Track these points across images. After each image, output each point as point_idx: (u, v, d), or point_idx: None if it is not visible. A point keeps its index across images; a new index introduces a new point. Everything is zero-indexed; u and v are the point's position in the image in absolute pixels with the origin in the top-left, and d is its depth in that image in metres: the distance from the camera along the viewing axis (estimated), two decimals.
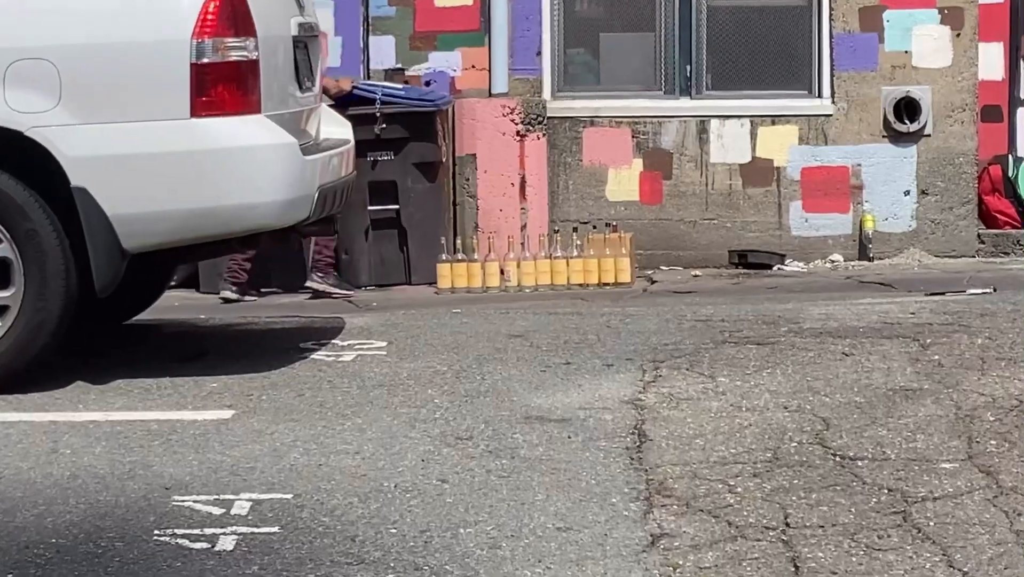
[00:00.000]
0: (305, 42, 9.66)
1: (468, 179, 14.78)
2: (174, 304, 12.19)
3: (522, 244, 14.47)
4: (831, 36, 14.99)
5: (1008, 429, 7.63)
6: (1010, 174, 15.61)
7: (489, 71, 14.98)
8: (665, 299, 13.15)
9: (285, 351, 9.70)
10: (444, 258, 14.10)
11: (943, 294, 12.39)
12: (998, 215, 15.36)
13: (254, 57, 8.73)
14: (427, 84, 14.90)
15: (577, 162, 15.04)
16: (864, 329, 10.05)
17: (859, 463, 7.19)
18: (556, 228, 14.63)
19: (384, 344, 9.84)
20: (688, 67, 15.13)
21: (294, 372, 9.12)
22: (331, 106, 13.08)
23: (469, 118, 14.75)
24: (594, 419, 8.01)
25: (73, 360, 9.21)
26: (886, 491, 6.78)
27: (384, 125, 14.05)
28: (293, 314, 11.41)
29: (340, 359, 9.48)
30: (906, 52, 14.94)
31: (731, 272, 14.67)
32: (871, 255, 14.92)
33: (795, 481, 6.95)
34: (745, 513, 6.51)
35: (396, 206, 14.44)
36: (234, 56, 8.66)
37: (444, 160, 14.56)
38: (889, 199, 15.02)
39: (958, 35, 14.93)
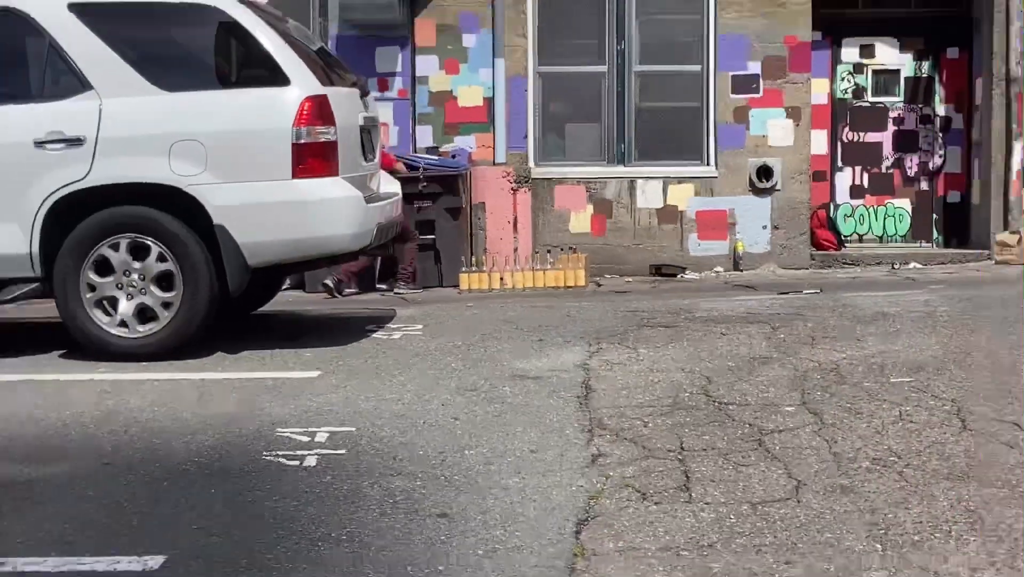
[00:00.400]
0: (368, 129, 9.49)
1: (479, 218, 14.66)
2: (288, 299, 11.99)
3: (515, 260, 14.35)
4: (715, 126, 14.88)
5: (828, 384, 7.47)
6: (831, 215, 15.54)
7: (493, 148, 14.92)
8: (607, 296, 13.00)
9: (356, 332, 9.55)
10: (463, 270, 13.99)
11: (788, 293, 12.33)
12: (824, 242, 15.35)
13: (334, 139, 8.56)
14: (453, 156, 14.76)
15: (551, 208, 14.94)
16: (735, 317, 9.88)
17: (730, 407, 7.05)
18: (537, 251, 14.58)
19: (421, 328, 9.67)
20: (622, 145, 15.02)
21: (360, 346, 8.96)
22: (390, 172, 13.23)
23: (480, 179, 14.66)
24: (557, 377, 7.87)
25: (218, 339, 9.04)
26: (748, 426, 6.66)
27: (425, 183, 13.98)
28: (365, 308, 11.15)
29: (391, 337, 9.31)
30: (764, 136, 14.86)
31: (651, 279, 14.60)
32: (741, 268, 14.81)
33: (687, 419, 6.85)
34: (654, 440, 6.47)
35: (433, 236, 14.30)
36: (320, 139, 8.48)
37: (464, 206, 14.44)
38: (753, 231, 14.92)
39: (798, 125, 14.89)
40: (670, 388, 7.49)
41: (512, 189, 14.57)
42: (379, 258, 13.99)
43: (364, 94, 9.44)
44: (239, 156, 8.43)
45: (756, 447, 6.29)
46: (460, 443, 6.44)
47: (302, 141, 8.43)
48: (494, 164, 14.80)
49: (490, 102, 14.88)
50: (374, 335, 9.39)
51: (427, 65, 14.95)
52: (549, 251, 14.47)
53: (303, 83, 8.53)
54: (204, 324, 8.56)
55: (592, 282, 14.28)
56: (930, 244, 15.66)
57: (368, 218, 8.78)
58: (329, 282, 13.08)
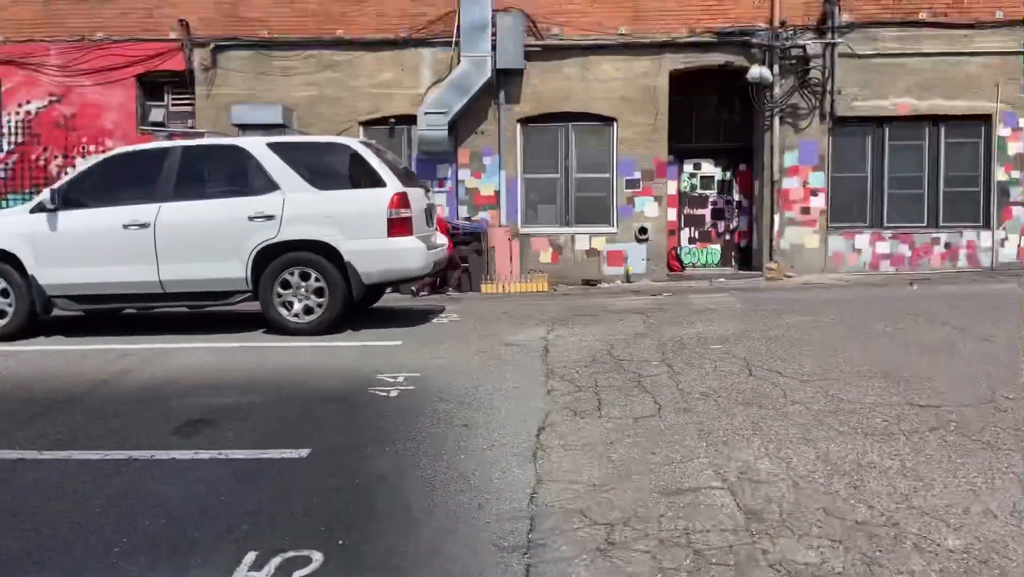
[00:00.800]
0: (429, 209, 9.12)
1: (492, 255, 14.21)
2: (390, 299, 11.58)
3: (511, 277, 13.94)
4: (617, 205, 14.46)
5: (676, 349, 7.09)
6: (679, 254, 15.17)
7: (499, 218, 14.49)
8: (560, 297, 12.58)
9: (422, 319, 9.18)
10: (483, 282, 13.60)
11: (657, 296, 11.91)
12: (674, 266, 14.84)
13: (409, 216, 8.19)
14: (479, 221, 14.35)
15: (530, 249, 14.52)
16: (628, 310, 9.51)
17: (623, 362, 6.65)
18: (522, 272, 14.15)
19: (457, 316, 9.30)
20: (567, 215, 14.59)
21: (424, 328, 8.58)
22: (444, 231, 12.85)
23: (493, 234, 14.23)
24: (530, 344, 7.47)
25: (348, 324, 8.69)
26: (632, 373, 6.27)
27: (463, 236, 13.55)
28: (429, 304, 10.76)
29: (441, 322, 8.95)
30: (643, 211, 14.44)
31: (583, 287, 14.17)
32: (631, 280, 14.37)
33: (600, 369, 6.45)
34: (581, 381, 6.06)
35: (467, 264, 13.81)
36: (402, 216, 8.11)
37: (484, 249, 14.00)
38: (637, 262, 14.49)
39: (660, 205, 14.46)
40: (590, 351, 7.14)
41: (509, 239, 14.12)
42: (439, 276, 13.64)
43: (427, 192, 9.09)
44: (359, 224, 8.07)
45: (636, 384, 5.94)
46: (476, 382, 6.09)
47: (392, 217, 8.06)
48: (500, 226, 14.35)
49: (498, 194, 14.43)
50: (432, 320, 9.03)
51: (464, 173, 14.50)
52: (529, 272, 14.10)
53: (393, 185, 8.18)
54: (341, 315, 8.22)
55: (552, 288, 13.88)
56: (731, 268, 15.24)
57: (429, 258, 8.43)
58: (413, 288, 12.76)
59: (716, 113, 15.21)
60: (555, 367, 6.58)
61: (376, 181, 8.13)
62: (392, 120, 14.39)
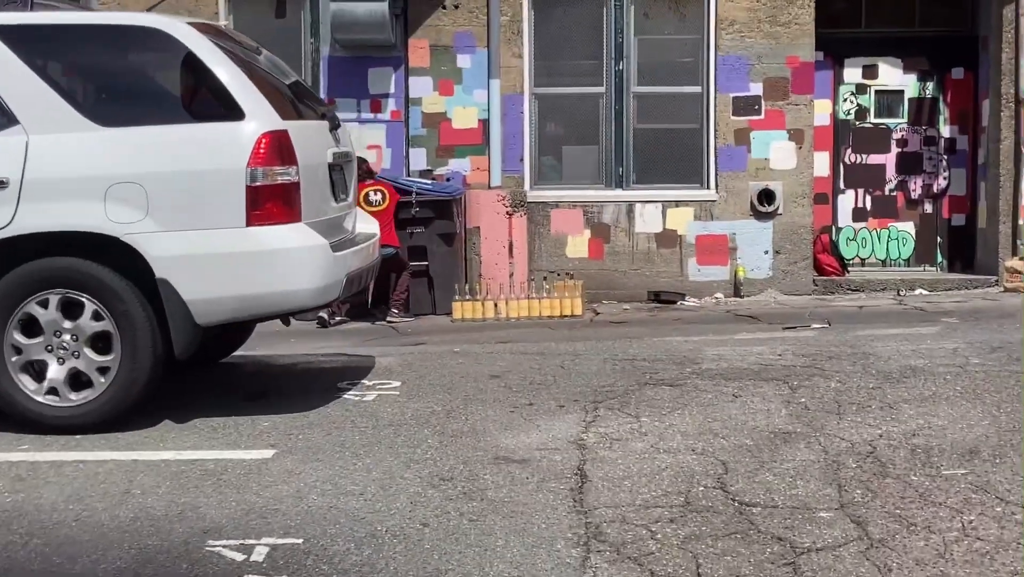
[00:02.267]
0: (341, 166, 7.73)
1: (475, 243, 13.09)
2: (271, 331, 10.06)
3: (510, 287, 12.77)
4: (716, 148, 13.25)
5: (868, 477, 5.71)
6: (834, 239, 13.86)
7: (488, 171, 13.35)
8: (604, 328, 11.32)
9: (326, 390, 7.76)
10: (456, 298, 12.45)
11: (795, 328, 10.67)
12: (827, 267, 13.71)
13: (296, 180, 6.81)
14: (447, 180, 13.19)
15: (547, 232, 13.39)
16: (746, 371, 8.10)
17: (754, 510, 5.31)
18: (532, 278, 13.02)
19: (399, 385, 7.88)
20: (620, 168, 13.43)
21: (328, 412, 7.17)
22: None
23: (475, 203, 13.09)
24: (547, 460, 6.14)
25: (171, 398, 7.33)
26: (777, 541, 4.93)
27: (418, 208, 12.52)
28: (343, 354, 9.33)
29: (364, 399, 7.51)
30: (766, 159, 13.27)
31: (649, 306, 12.95)
32: (742, 294, 13.22)
33: (703, 528, 5.12)
34: (664, 561, 4.76)
35: (426, 263, 12.75)
36: (280, 180, 6.73)
37: (458, 232, 12.86)
38: (754, 256, 13.33)
39: (800, 148, 13.28)
40: (680, 478, 5.76)
41: (508, 213, 13.01)
42: (371, 283, 12.31)
43: (335, 127, 7.67)
44: (185, 201, 6.68)
45: (791, 574, 4.56)
46: (428, 564, 4.74)
47: (258, 183, 6.68)
48: (489, 188, 13.22)
49: (485, 124, 13.33)
50: (346, 395, 7.60)
51: (420, 86, 13.40)
52: (545, 277, 12.92)
53: (260, 117, 6.77)
54: (147, 391, 6.80)
55: (589, 309, 12.64)
56: (934, 268, 13.94)
57: (336, 269, 7.03)
58: (324, 314, 11.60)
59: None
60: (602, 519, 5.21)
61: (224, 107, 6.75)
62: None
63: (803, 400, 7.15)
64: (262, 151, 6.69)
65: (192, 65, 6.81)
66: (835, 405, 6.99)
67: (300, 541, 5.02)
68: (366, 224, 8.32)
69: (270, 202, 6.73)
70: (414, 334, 11.59)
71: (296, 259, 6.80)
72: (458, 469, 5.98)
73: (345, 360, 8.96)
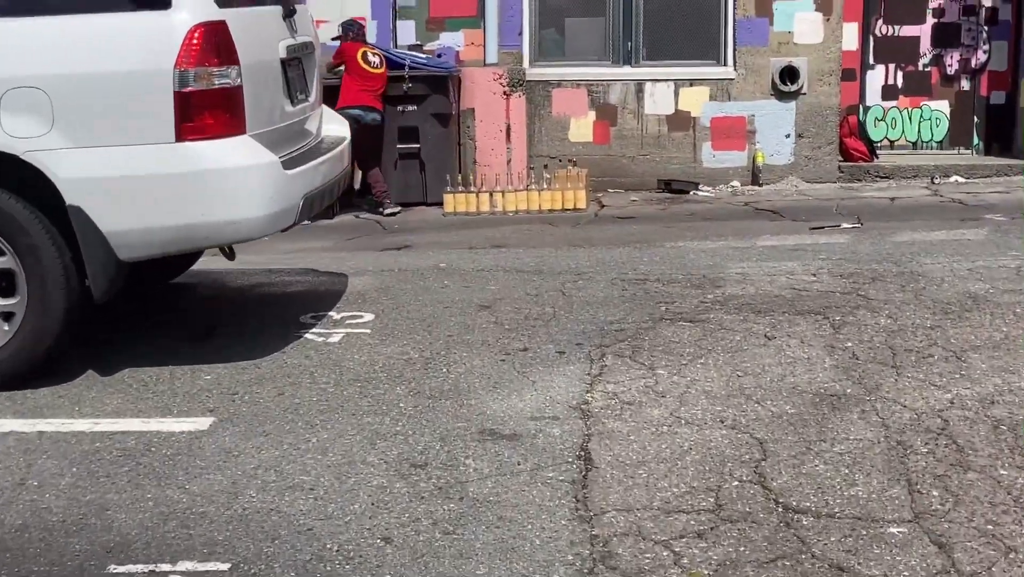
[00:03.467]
0: (299, 60, 6.33)
1: (469, 126, 11.87)
2: None
3: (507, 176, 11.55)
4: (734, 20, 11.94)
5: (945, 470, 4.47)
6: (861, 120, 12.45)
7: (484, 47, 12.00)
8: (609, 228, 10.05)
9: (285, 325, 6.49)
10: (449, 189, 11.22)
11: (823, 228, 9.43)
12: (854, 152, 12.38)
13: (237, 84, 5.45)
14: (438, 56, 11.89)
15: (548, 114, 12.11)
16: (778, 299, 6.80)
17: (803, 520, 4.08)
18: (532, 165, 11.76)
19: (371, 318, 6.57)
20: (629, 43, 12.10)
21: (283, 360, 5.90)
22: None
23: (469, 82, 11.81)
24: (543, 435, 4.92)
25: (105, 333, 6.09)
26: (837, 571, 3.70)
27: (411, 84, 11.26)
28: (311, 270, 8.02)
29: (329, 340, 6.21)
30: (789, 32, 11.90)
31: (659, 196, 11.67)
32: (761, 182, 12.00)
33: (740, 548, 3.93)
34: None
35: (418, 145, 11.52)
36: (217, 84, 5.36)
37: (454, 112, 11.56)
38: (775, 140, 12.05)
39: (827, 20, 11.95)
40: (708, 465, 4.56)
41: (505, 93, 11.74)
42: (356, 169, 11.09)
43: (289, 13, 6.23)
44: (100, 110, 5.33)
45: None
46: None
47: (189, 88, 5.32)
48: (484, 65, 11.91)
49: None
50: (308, 334, 6.31)
51: None
52: (546, 165, 11.69)
53: (192, 3, 5.37)
54: (61, 341, 5.53)
55: (593, 200, 11.36)
56: (969, 152, 12.62)
57: (290, 190, 5.71)
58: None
59: None
60: (613, 532, 4.05)
61: None
62: None
63: (849, 344, 5.88)
64: (194, 47, 5.32)
65: None
66: (889, 353, 5.72)
67: (226, 568, 3.83)
68: (334, 124, 6.95)
69: (205, 111, 5.38)
70: (400, 231, 10.35)
71: (238, 181, 5.47)
72: (434, 449, 4.76)
73: (313, 280, 7.66)
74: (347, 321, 6.50)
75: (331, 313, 6.65)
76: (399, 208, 11.19)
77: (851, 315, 6.35)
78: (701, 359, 5.72)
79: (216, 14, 5.42)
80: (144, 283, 6.89)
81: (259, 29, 5.85)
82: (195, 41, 5.32)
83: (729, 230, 9.53)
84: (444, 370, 5.65)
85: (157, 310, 6.96)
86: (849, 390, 5.24)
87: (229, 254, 6.15)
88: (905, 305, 6.52)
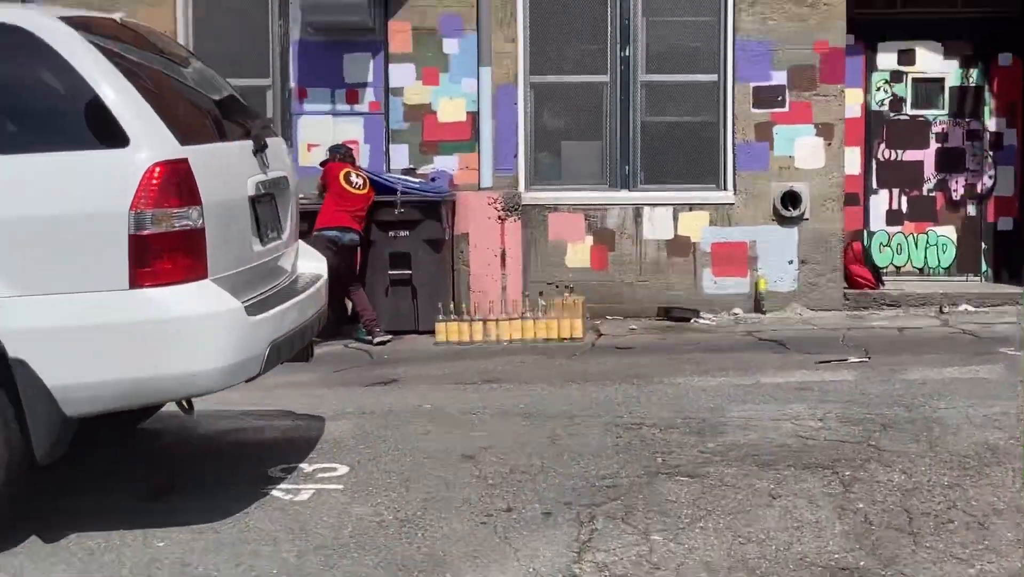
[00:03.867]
0: (270, 195, 5.93)
1: (463, 252, 11.43)
2: None
3: (502, 303, 11.06)
4: (734, 144, 11.59)
5: None
6: (866, 246, 12.09)
7: (478, 170, 11.64)
8: (607, 360, 9.56)
9: (252, 481, 5.97)
10: (441, 318, 10.71)
11: (830, 363, 8.97)
12: (859, 279, 11.93)
13: (199, 225, 5.04)
14: (432, 180, 11.44)
15: (544, 238, 11.69)
16: (783, 449, 6.30)
17: None
18: (527, 293, 11.28)
19: (346, 471, 6.07)
20: (627, 167, 11.77)
21: (247, 522, 5.38)
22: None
23: (464, 206, 11.39)
24: None
25: (48, 496, 5.61)
26: None
27: (402, 209, 10.83)
28: (288, 412, 7.52)
29: (297, 497, 5.69)
30: (790, 157, 11.54)
31: (659, 324, 11.24)
32: (764, 309, 11.49)
33: None
34: None
35: (409, 271, 11.04)
36: (177, 226, 4.95)
37: (447, 238, 11.14)
38: (777, 267, 11.59)
39: (829, 144, 11.58)
40: None
41: (500, 218, 11.33)
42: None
43: (260, 148, 5.84)
44: (48, 255, 4.93)
45: None
46: None
47: (146, 231, 4.91)
48: (479, 189, 11.55)
49: (475, 117, 11.62)
50: (275, 490, 5.80)
51: (402, 74, 11.69)
52: (541, 292, 11.24)
53: (152, 142, 4.99)
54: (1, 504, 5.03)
55: (590, 328, 10.91)
56: (978, 278, 12.19)
57: (255, 338, 5.27)
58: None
59: None
60: None
61: (106, 130, 4.97)
62: None
63: (861, 505, 5.38)
64: (152, 187, 4.93)
65: (61, 73, 5.03)
66: (905, 517, 5.21)
67: None
68: (311, 261, 6.54)
69: (163, 255, 4.97)
70: (389, 362, 9.89)
71: (197, 330, 5.03)
72: None
73: (288, 425, 7.18)
74: (319, 475, 6.00)
75: (303, 465, 6.16)
76: (389, 336, 10.74)
77: (862, 469, 5.86)
78: (700, 522, 5.22)
79: (178, 152, 5.04)
80: (103, 430, 6.40)
81: (225, 166, 5.46)
82: (154, 181, 4.93)
83: (731, 363, 9.06)
84: (420, 535, 5.15)
85: (114, 460, 6.47)
86: (863, 562, 4.73)
87: (187, 408, 5.67)
88: (920, 458, 6.02)
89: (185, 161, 5.04)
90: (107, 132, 4.96)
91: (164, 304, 4.95)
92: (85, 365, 4.92)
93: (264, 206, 5.82)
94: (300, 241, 6.60)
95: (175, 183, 4.98)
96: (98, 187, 4.93)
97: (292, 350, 5.80)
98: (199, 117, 5.70)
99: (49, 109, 5.05)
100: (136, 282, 4.92)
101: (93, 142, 4.98)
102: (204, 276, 5.09)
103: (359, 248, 10.70)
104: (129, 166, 4.93)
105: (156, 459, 6.57)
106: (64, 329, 4.90)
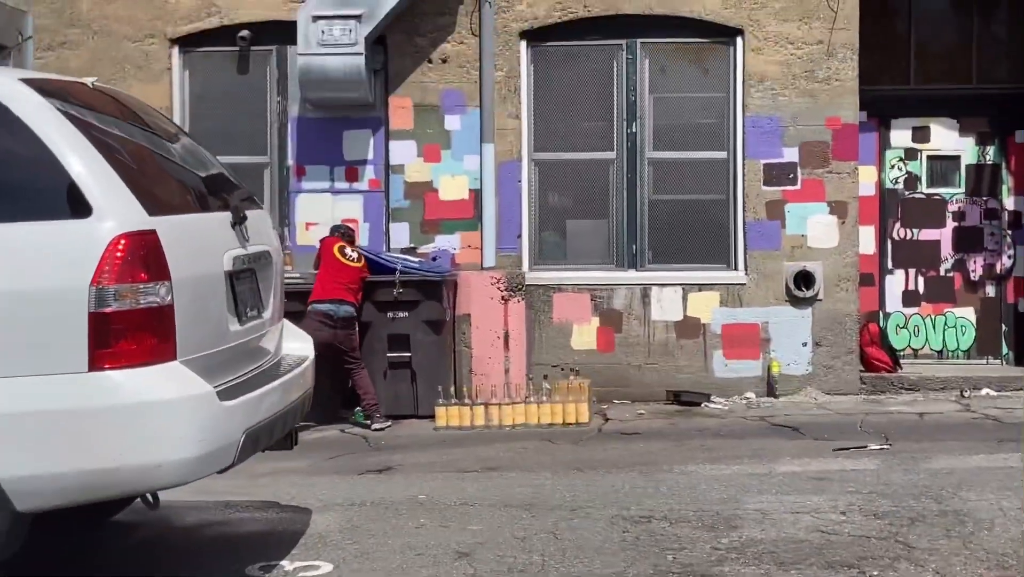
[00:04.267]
0: (251, 270, 5.51)
1: (465, 333, 11.03)
2: None
3: (505, 386, 10.58)
4: (744, 223, 11.21)
5: None
6: (882, 326, 11.67)
7: (481, 249, 11.26)
8: (613, 447, 9.08)
9: None
10: (441, 402, 10.25)
11: (848, 450, 8.48)
12: (876, 361, 11.44)
13: (167, 302, 4.60)
14: (433, 259, 11.14)
15: (549, 320, 11.26)
16: (803, 545, 5.79)
17: None
18: (531, 376, 10.81)
19: (329, 570, 5.55)
20: (634, 246, 11.37)
21: None
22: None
23: (466, 286, 11.01)
24: None
25: None
26: None
27: (401, 289, 10.42)
28: (274, 503, 7.02)
29: None
30: (803, 236, 11.16)
31: (668, 409, 10.77)
32: (777, 393, 11.02)
33: None
34: None
35: (409, 354, 10.58)
36: (143, 303, 4.52)
37: (448, 319, 10.74)
38: (791, 349, 11.13)
39: (843, 223, 11.19)
40: None
41: (503, 298, 10.94)
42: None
43: (239, 220, 5.42)
44: (3, 332, 4.45)
45: None
46: None
47: (109, 308, 4.49)
48: (482, 268, 11.18)
49: (477, 195, 11.27)
50: None
51: (403, 151, 11.38)
52: (546, 376, 10.74)
53: (116, 212, 4.59)
54: None
55: (597, 413, 10.46)
56: (999, 361, 11.74)
57: (229, 425, 4.81)
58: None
59: (961, 20, 11.87)
60: None
61: (67, 200, 4.57)
62: (245, 34, 11.21)
63: None
64: (116, 261, 4.51)
65: (19, 137, 4.63)
66: None
67: None
68: (296, 342, 6.10)
69: (127, 334, 4.54)
70: (386, 449, 9.43)
71: (163, 417, 4.58)
72: None
73: (272, 518, 6.68)
74: (300, 574, 5.50)
75: (283, 563, 5.65)
76: (389, 423, 10.27)
77: (891, 569, 5.35)
78: None
79: (145, 222, 4.62)
80: (71, 522, 5.92)
81: (199, 238, 5.04)
82: (118, 253, 4.51)
83: (745, 451, 8.58)
84: None
85: (81, 555, 5.96)
86: None
87: (152, 503, 5.17)
88: (954, 557, 5.51)
89: (153, 233, 4.62)
90: (69, 201, 4.56)
91: (126, 388, 4.51)
92: (39, 455, 4.47)
93: (243, 282, 5.40)
94: (286, 321, 6.15)
95: (141, 256, 4.56)
96: (57, 260, 4.51)
97: (272, 438, 5.34)
98: (172, 187, 5.30)
99: (5, 176, 4.63)
100: (96, 364, 4.47)
101: (54, 212, 4.57)
102: (172, 358, 4.65)
103: (356, 324, 10.24)
104: (91, 237, 4.51)
105: (129, 554, 6.07)
106: (15, 415, 4.45)
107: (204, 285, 4.96)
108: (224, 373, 5.01)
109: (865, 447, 8.59)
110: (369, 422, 10.18)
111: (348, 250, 10.24)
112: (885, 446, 8.61)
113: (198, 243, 4.98)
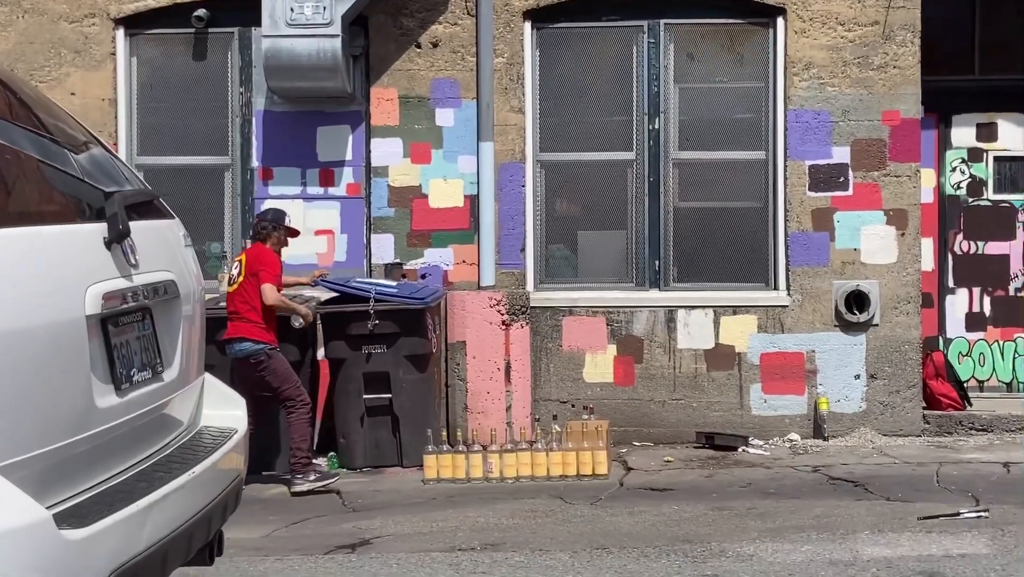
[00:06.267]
0: (143, 310, 3.59)
1: (459, 364, 9.47)
2: None
3: (508, 425, 9.09)
4: (786, 235, 9.65)
5: None
6: (948, 356, 10.04)
7: (478, 265, 9.76)
8: (639, 508, 7.40)
9: None
10: (431, 449, 8.52)
11: (937, 518, 6.74)
12: (942, 398, 9.78)
13: None
14: (423, 277, 9.64)
15: (558, 348, 9.70)
16: None
17: None
18: (538, 417, 9.30)
19: None
20: (656, 262, 9.83)
21: None
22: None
23: (459, 308, 9.51)
24: None
25: None
26: None
27: (377, 321, 8.77)
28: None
29: None
30: (855, 250, 9.60)
31: (700, 455, 9.13)
32: (825, 435, 9.40)
33: None
34: None
35: (389, 395, 8.91)
36: None
37: (435, 351, 9.13)
38: (841, 383, 9.53)
39: (902, 234, 9.62)
40: None
41: (504, 323, 9.44)
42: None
43: (118, 235, 3.48)
44: None
45: None
46: None
47: None
48: (479, 288, 9.66)
49: (474, 201, 9.76)
50: None
51: (387, 151, 9.85)
52: (555, 416, 9.17)
53: None
54: None
55: (617, 460, 8.84)
56: None
57: (78, 566, 2.89)
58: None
59: None
60: None
61: None
62: (202, 14, 9.91)
63: None
64: None
65: None
66: None
67: None
68: (219, 409, 4.19)
69: None
70: (365, 510, 7.70)
71: None
72: None
73: None
74: None
75: None
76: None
77: None
78: None
79: None
80: None
81: (33, 266, 3.11)
82: None
83: (808, 518, 6.81)
84: None
85: None
86: None
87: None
88: None
89: None
90: None
91: None
92: None
93: (126, 330, 3.49)
94: (208, 376, 4.25)
95: None
96: None
97: (176, 563, 3.43)
98: (63, 202, 3.41)
99: None
100: None
101: None
102: None
103: (269, 357, 8.18)
104: None
105: None
106: None
107: (40, 340, 3.04)
108: (84, 477, 3.14)
109: (958, 514, 6.82)
110: (305, 479, 8.16)
111: (236, 267, 8.24)
112: (982, 514, 6.83)
113: (29, 273, 3.06)
